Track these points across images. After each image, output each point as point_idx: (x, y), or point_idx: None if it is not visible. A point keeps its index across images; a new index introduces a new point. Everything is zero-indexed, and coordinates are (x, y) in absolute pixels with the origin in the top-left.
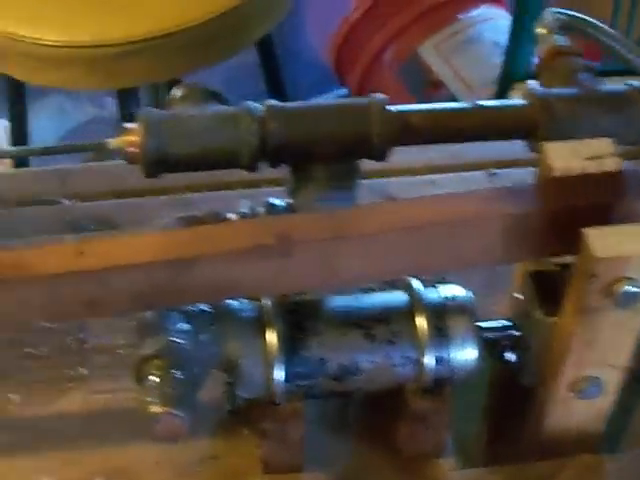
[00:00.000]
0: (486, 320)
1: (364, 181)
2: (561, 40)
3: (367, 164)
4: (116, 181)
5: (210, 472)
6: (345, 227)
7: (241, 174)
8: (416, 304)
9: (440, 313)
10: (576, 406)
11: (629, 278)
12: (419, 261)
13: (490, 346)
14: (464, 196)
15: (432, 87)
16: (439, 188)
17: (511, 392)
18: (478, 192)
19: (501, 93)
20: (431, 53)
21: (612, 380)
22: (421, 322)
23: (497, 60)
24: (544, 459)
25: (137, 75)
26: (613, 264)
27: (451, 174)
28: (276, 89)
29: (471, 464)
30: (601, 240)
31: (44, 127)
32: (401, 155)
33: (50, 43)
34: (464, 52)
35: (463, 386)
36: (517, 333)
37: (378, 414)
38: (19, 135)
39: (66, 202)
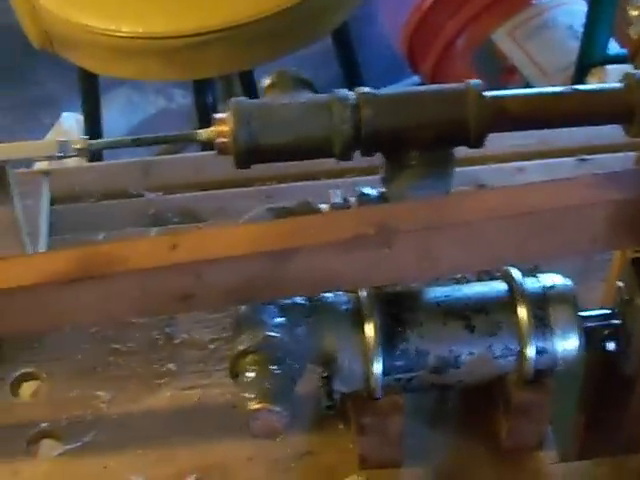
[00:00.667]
0: (584, 309)
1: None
2: None
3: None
4: (199, 172)
5: (305, 468)
6: (445, 215)
7: (325, 163)
8: (517, 294)
9: (541, 303)
10: None
11: None
12: (520, 250)
13: (591, 335)
14: (567, 183)
15: (506, 73)
16: (528, 175)
17: (611, 382)
18: (580, 179)
19: (578, 78)
20: (505, 39)
21: None
22: (522, 312)
23: (572, 45)
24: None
25: (212, 66)
26: None
27: (540, 161)
28: (352, 77)
29: (570, 456)
30: None
31: (114, 120)
32: (488, 142)
33: (124, 34)
34: (538, 37)
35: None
36: (618, 322)
37: (477, 407)
38: (93, 128)
39: (149, 195)
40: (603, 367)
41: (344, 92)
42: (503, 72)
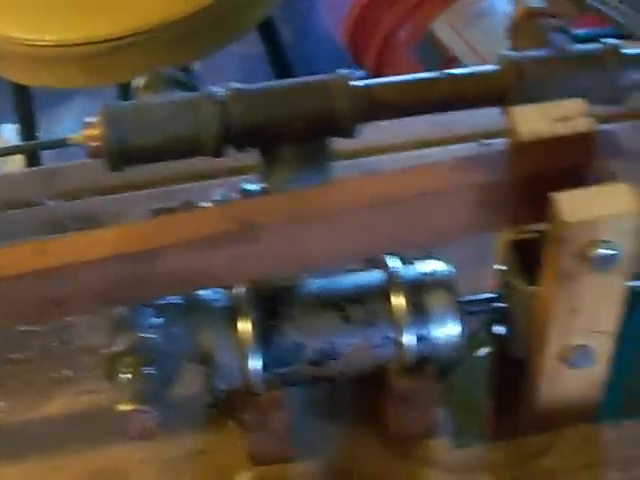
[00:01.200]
0: (474, 294)
1: (351, 160)
2: (535, 1)
3: (352, 142)
4: (99, 178)
5: (198, 467)
6: (309, 207)
7: (222, 163)
8: (391, 282)
9: (418, 290)
10: (568, 376)
11: (603, 241)
12: (389, 238)
13: (478, 320)
14: (431, 168)
15: (448, 63)
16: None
17: (508, 366)
18: (446, 163)
19: None
20: (444, 29)
21: (602, 347)
22: (398, 300)
23: None
24: (541, 432)
25: (129, 70)
26: (584, 228)
27: (441, 147)
28: (283, 74)
29: (474, 441)
30: (570, 204)
31: (70, 129)
32: (389, 131)
33: (42, 43)
34: (477, 26)
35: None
36: (503, 305)
37: (366, 397)
38: (29, 137)
39: (49, 202)
40: (499, 351)
41: (214, 89)
42: (445, 62)
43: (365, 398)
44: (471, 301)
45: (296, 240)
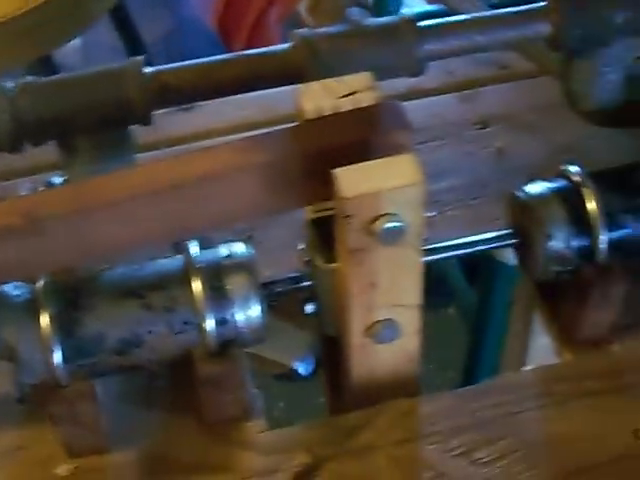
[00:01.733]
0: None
1: (173, 148)
2: None
3: (173, 130)
4: None
5: (15, 463)
6: (91, 197)
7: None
8: (190, 267)
9: (217, 273)
10: (377, 351)
11: (389, 214)
12: (175, 223)
13: (285, 299)
14: (214, 150)
15: None
16: None
17: (330, 344)
18: (230, 144)
19: None
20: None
21: (407, 320)
22: (196, 285)
23: None
24: (361, 408)
25: None
26: (366, 202)
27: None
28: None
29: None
30: (350, 179)
31: None
32: (215, 115)
33: None
34: None
35: None
36: (309, 283)
37: (183, 384)
38: None
39: None
40: (316, 330)
41: (4, 83)
42: None
43: (182, 385)
44: (275, 282)
45: (81, 231)
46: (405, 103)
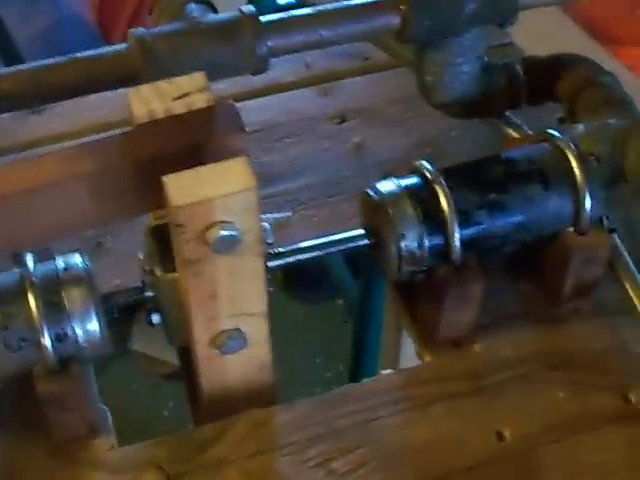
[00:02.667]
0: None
1: (22, 153)
2: None
3: (23, 134)
4: None
5: None
6: None
7: None
8: (25, 281)
9: (55, 287)
10: (226, 362)
11: (222, 222)
12: (5, 236)
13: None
14: (41, 160)
15: None
16: None
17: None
18: (58, 153)
19: None
20: None
21: (254, 329)
22: (32, 300)
23: None
24: (213, 421)
25: None
26: (197, 210)
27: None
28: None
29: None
30: (181, 186)
31: None
32: (66, 118)
33: None
34: None
35: None
36: (151, 294)
37: (28, 402)
38: None
39: None
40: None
41: None
42: None
43: (27, 403)
44: (116, 293)
45: None
46: (261, 99)
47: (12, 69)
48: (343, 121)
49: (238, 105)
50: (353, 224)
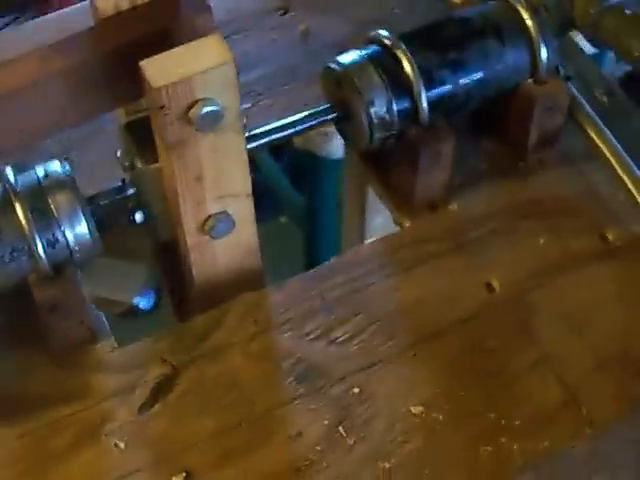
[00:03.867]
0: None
1: None
2: None
3: None
4: None
5: None
6: None
7: None
8: (9, 192)
9: (39, 195)
10: (216, 247)
11: (204, 99)
12: None
13: (113, 213)
14: (14, 62)
15: None
16: None
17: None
18: (29, 54)
19: None
20: None
21: (240, 211)
22: (19, 209)
23: None
24: (208, 310)
25: None
26: (178, 89)
27: None
28: None
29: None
30: (159, 68)
31: None
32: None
33: None
34: None
35: None
36: (133, 191)
37: (25, 316)
38: None
39: None
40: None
41: None
42: None
43: (25, 317)
44: (100, 194)
45: None
46: None
47: None
48: (286, 12)
49: None
50: (309, 109)
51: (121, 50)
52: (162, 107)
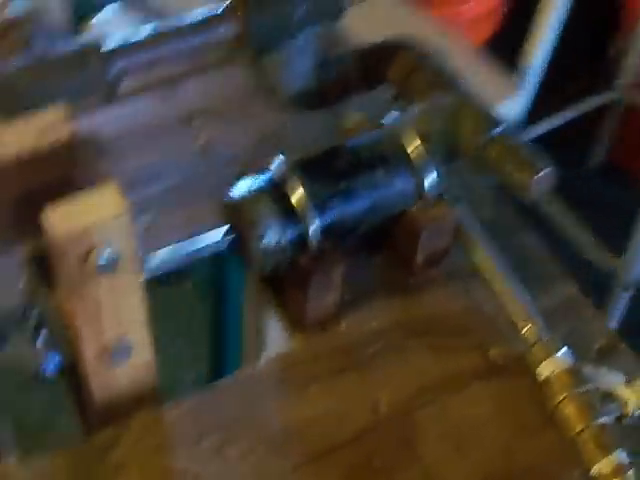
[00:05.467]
0: None
1: None
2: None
3: None
4: None
5: None
6: None
7: None
8: None
9: None
10: (115, 371)
11: (101, 246)
12: None
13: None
14: None
15: None
16: None
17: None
18: None
19: None
20: None
21: (138, 337)
22: None
23: None
24: (111, 423)
25: None
26: (77, 237)
27: None
28: None
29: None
30: (59, 216)
31: None
32: None
33: None
34: None
35: None
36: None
37: None
38: None
39: None
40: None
41: None
42: None
43: None
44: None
45: None
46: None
47: None
48: (188, 124)
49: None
50: (212, 222)
51: (22, 195)
52: (61, 253)
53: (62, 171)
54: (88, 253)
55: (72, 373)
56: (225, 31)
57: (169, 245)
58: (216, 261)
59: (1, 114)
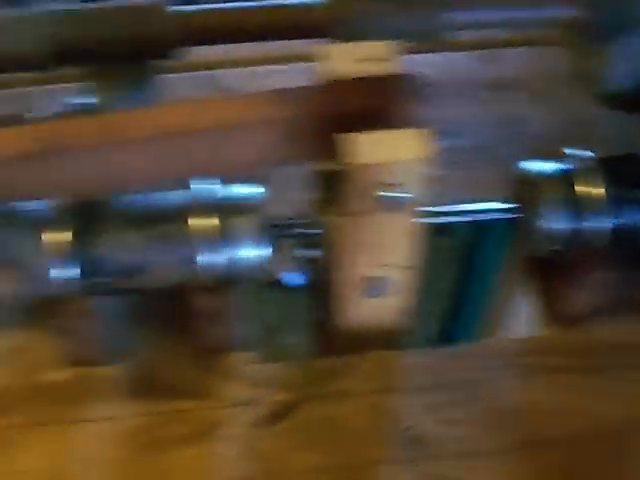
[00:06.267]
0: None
1: (197, 73)
2: None
3: (202, 54)
4: None
5: (13, 364)
6: (111, 132)
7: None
8: (197, 203)
9: (224, 211)
10: (364, 304)
11: (392, 184)
12: (187, 166)
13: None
14: (233, 100)
15: None
16: (274, 79)
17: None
18: (250, 96)
19: None
20: None
21: (396, 279)
22: (199, 221)
23: None
24: (343, 354)
25: None
26: (369, 170)
27: (288, 65)
28: None
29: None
30: (360, 146)
31: None
32: (239, 46)
33: None
34: None
35: None
36: (308, 232)
37: (176, 310)
38: None
39: None
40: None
41: (44, 7)
42: None
43: (178, 311)
44: (278, 225)
45: (99, 163)
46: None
47: (213, 7)
48: (498, 90)
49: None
50: (493, 192)
51: (336, 115)
52: (353, 180)
53: (379, 102)
54: (377, 187)
55: (324, 294)
56: (560, 11)
57: (452, 201)
58: (479, 227)
59: (336, 35)
